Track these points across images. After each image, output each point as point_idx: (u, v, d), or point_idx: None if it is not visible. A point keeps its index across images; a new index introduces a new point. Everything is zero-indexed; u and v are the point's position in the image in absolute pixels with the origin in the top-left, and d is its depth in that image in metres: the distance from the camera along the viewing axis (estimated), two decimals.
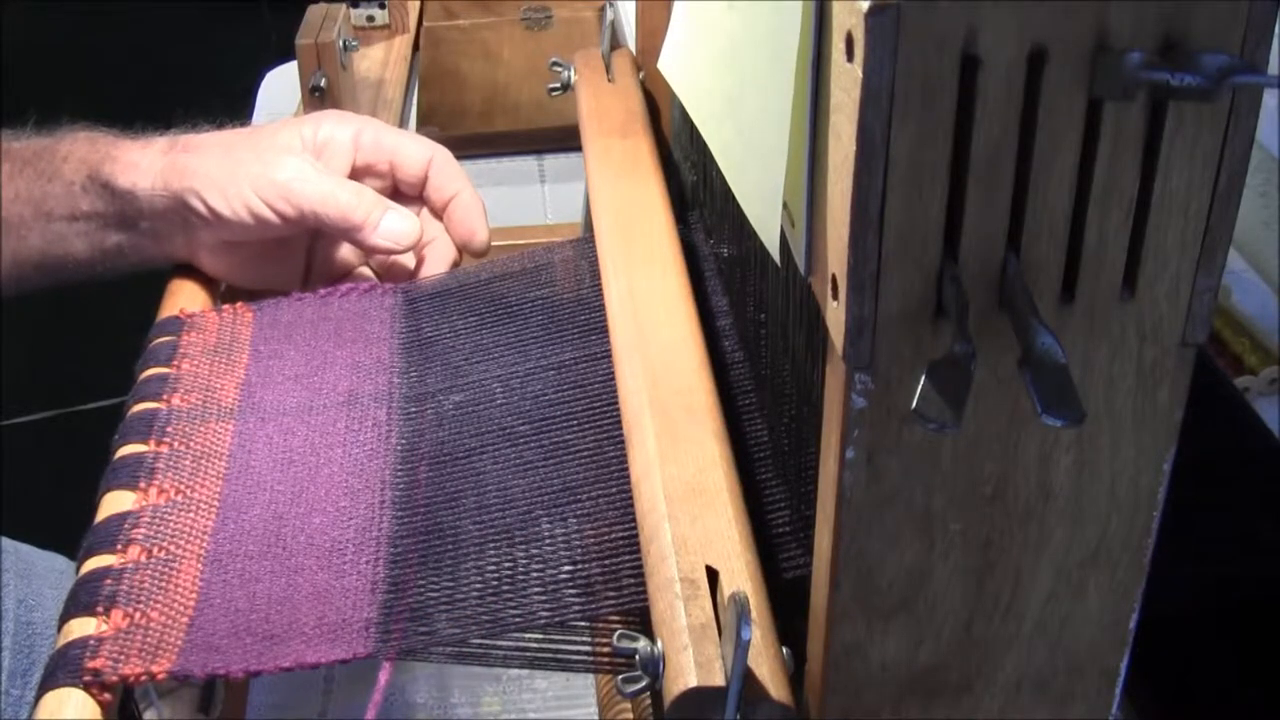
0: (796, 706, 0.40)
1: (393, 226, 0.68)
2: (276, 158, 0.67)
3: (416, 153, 0.72)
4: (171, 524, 0.53)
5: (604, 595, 0.48)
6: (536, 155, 1.16)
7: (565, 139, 1.10)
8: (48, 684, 0.46)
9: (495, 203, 0.77)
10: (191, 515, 0.54)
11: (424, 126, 1.12)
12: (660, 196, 0.63)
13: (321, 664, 0.47)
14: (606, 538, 0.50)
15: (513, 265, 0.68)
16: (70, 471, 0.92)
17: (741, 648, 0.37)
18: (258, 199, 0.66)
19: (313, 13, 1.00)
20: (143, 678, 0.47)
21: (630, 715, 0.62)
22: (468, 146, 1.06)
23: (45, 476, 1.68)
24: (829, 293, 0.34)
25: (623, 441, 0.51)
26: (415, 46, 1.16)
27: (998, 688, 0.40)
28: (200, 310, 0.67)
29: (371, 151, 0.71)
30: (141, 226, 0.69)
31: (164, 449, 0.57)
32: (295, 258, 0.72)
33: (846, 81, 0.31)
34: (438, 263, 0.72)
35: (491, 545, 0.51)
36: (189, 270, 0.70)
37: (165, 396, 0.60)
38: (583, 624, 0.48)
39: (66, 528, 0.64)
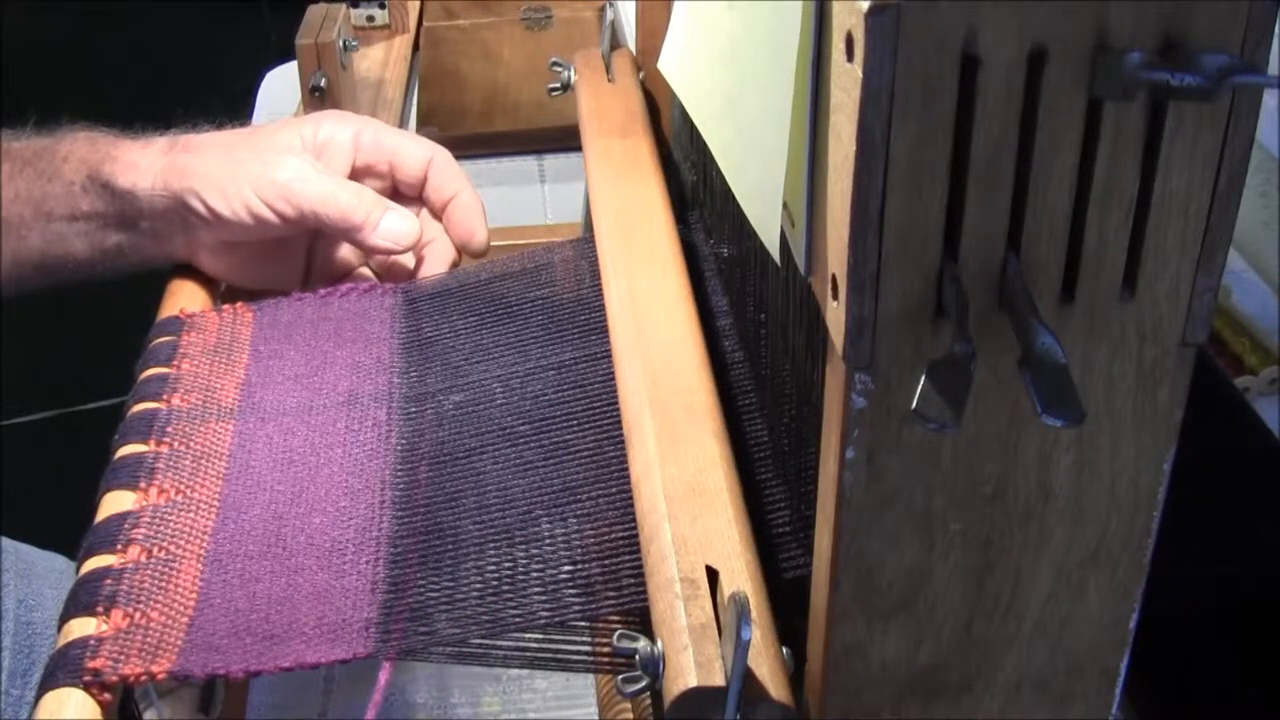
0: (796, 706, 0.40)
1: (392, 227, 0.68)
2: (276, 158, 0.67)
3: (416, 153, 0.72)
4: (171, 524, 0.53)
5: (604, 595, 0.48)
6: (536, 155, 1.16)
7: (565, 139, 1.10)
8: (48, 684, 0.46)
9: (495, 203, 0.77)
10: (191, 515, 0.54)
11: (424, 126, 1.12)
12: (660, 196, 0.63)
13: (321, 664, 0.47)
14: (606, 538, 0.50)
15: (513, 265, 0.68)
16: (70, 471, 0.92)
17: (741, 648, 0.37)
18: (257, 199, 0.66)
19: (313, 13, 1.00)
20: (143, 678, 0.47)
21: (630, 715, 0.62)
22: (468, 146, 1.06)
23: (45, 476, 1.68)
24: (829, 293, 0.34)
25: (623, 441, 0.51)
26: (415, 46, 1.16)
27: (998, 688, 0.40)
28: (200, 310, 0.67)
29: (371, 152, 0.71)
30: (141, 226, 0.69)
31: (164, 449, 0.57)
32: (295, 258, 0.72)
33: (846, 81, 0.31)
34: (437, 263, 0.72)
35: (491, 545, 0.51)
36: (189, 270, 0.70)
37: (165, 396, 0.60)
38: (583, 624, 0.48)
39: (66, 528, 0.64)
